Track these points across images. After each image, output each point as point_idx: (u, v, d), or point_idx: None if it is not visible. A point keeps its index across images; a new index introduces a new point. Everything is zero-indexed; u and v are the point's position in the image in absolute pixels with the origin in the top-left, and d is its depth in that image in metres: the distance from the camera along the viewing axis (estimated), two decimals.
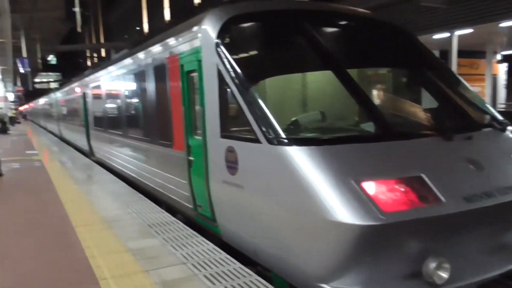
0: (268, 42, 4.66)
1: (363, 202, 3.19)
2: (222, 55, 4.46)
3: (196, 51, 5.12)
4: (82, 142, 15.50)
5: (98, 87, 11.71)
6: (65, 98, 19.39)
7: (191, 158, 5.59)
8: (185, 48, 5.48)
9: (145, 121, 7.75)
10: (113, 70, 9.83)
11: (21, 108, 71.80)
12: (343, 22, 5.19)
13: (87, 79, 13.48)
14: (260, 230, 4.17)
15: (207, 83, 4.85)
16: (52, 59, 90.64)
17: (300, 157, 3.52)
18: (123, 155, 9.51)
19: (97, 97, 12.13)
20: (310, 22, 4.66)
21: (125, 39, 39.25)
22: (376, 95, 4.89)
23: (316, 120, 4.52)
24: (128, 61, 8.54)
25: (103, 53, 51.34)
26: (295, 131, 4.14)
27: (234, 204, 4.58)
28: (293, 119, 4.47)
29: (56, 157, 13.62)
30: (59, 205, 6.99)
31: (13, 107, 46.79)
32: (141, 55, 7.56)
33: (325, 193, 3.27)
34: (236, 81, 4.23)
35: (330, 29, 5.03)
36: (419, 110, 4.93)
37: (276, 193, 3.78)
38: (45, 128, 32.68)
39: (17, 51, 17.84)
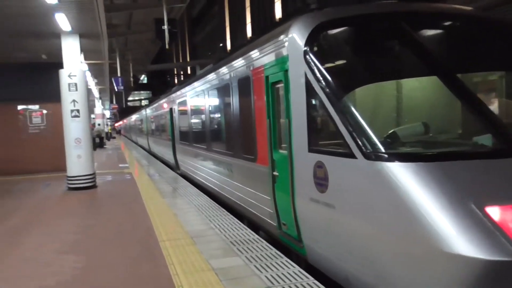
0: (361, 48, 4.25)
1: (489, 231, 2.63)
2: (311, 63, 4.14)
3: (282, 61, 4.88)
4: (168, 156, 16.13)
5: (183, 102, 12.07)
6: (154, 114, 20.50)
7: (275, 173, 5.32)
8: (270, 58, 5.27)
9: (228, 135, 7.69)
10: (197, 85, 10.02)
11: (116, 124, 78.25)
12: (447, 23, 4.61)
13: (173, 95, 14.03)
14: (353, 255, 3.73)
15: (294, 93, 4.56)
16: (143, 78, 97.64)
17: (405, 175, 3.04)
18: (206, 168, 9.58)
19: (182, 112, 12.51)
20: (409, 24, 4.17)
21: (209, 56, 40.92)
22: (492, 103, 4.21)
23: (418, 133, 3.98)
24: (212, 76, 8.61)
25: (189, 71, 54.05)
26: (396, 145, 3.65)
27: (323, 225, 4.18)
28: (391, 131, 3.98)
29: (145, 170, 14.27)
30: (146, 217, 7.12)
31: (109, 123, 51.06)
32: (224, 69, 7.54)
33: (439, 218, 2.75)
34: (327, 90, 3.88)
35: (432, 31, 4.48)
36: None
37: (375, 216, 3.33)
38: (136, 143, 34.99)
39: (112, 72, 19.28)
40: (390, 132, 3.99)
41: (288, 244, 5.30)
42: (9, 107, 14.30)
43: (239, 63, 6.62)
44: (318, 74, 4.03)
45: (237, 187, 7.22)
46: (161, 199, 8.74)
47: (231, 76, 7.03)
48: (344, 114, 3.67)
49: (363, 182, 3.45)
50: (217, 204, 7.89)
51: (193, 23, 67.01)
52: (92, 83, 20.96)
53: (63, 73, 10.28)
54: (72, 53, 10.42)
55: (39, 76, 13.89)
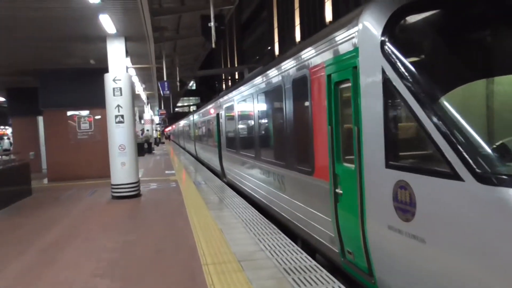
0: (459, 36, 3.31)
1: None
2: (392, 56, 3.27)
3: (349, 56, 4.02)
4: (214, 163, 15.59)
5: (230, 107, 11.44)
6: (200, 119, 20.14)
7: (338, 190, 4.44)
8: (333, 54, 4.42)
9: (279, 143, 6.89)
10: (245, 89, 9.33)
11: (166, 130, 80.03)
12: None
13: (220, 99, 13.46)
14: None
15: (366, 94, 3.69)
16: (192, 84, 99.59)
17: None
18: (254, 179, 8.83)
19: (229, 117, 11.88)
20: None
21: (257, 61, 40.56)
22: None
23: None
24: (261, 78, 7.87)
25: (237, 77, 54.08)
26: None
27: (406, 260, 3.27)
28: (499, 143, 3.01)
29: (191, 177, 13.80)
30: (189, 233, 6.47)
31: (158, 129, 52.02)
32: (276, 70, 6.76)
33: None
34: (417, 89, 2.99)
35: None
36: None
37: (494, 259, 2.39)
38: (184, 148, 35.10)
39: (161, 77, 19.15)
40: (497, 144, 3.01)
41: (354, 275, 4.40)
42: (59, 113, 14.38)
43: (293, 61, 5.82)
44: (402, 70, 3.14)
45: (289, 202, 6.39)
46: (206, 211, 8.09)
47: (284, 77, 6.23)
48: (442, 120, 2.76)
49: (473, 213, 2.52)
50: (266, 220, 7.11)
51: (241, 29, 67.27)
52: (140, 88, 20.99)
53: (108, 77, 9.97)
54: (117, 57, 10.10)
55: (88, 82, 13.84)
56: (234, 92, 10.57)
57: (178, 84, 21.15)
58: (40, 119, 16.67)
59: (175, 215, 7.94)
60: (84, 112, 14.64)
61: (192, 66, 31.46)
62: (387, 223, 3.41)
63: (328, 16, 34.04)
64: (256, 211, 7.81)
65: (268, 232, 6.27)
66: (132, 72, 15.47)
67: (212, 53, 75.43)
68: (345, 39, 4.12)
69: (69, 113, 14.56)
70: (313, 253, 5.93)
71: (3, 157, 11.16)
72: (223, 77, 69.18)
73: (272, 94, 7.13)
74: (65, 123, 14.50)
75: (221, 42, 74.52)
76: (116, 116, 9.92)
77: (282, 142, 6.50)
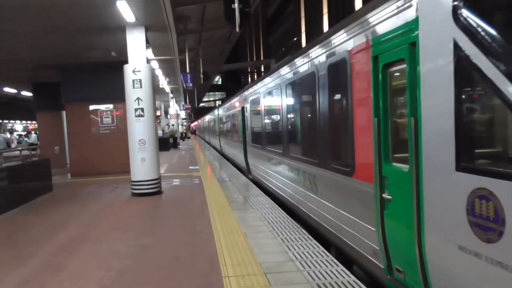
0: None
1: None
2: (471, 26, 2.49)
3: (405, 30, 3.26)
4: (239, 159, 14.98)
5: (256, 100, 10.75)
6: (225, 113, 19.54)
7: (386, 196, 3.69)
8: (382, 30, 3.66)
9: (311, 138, 6.15)
10: (272, 79, 8.61)
11: (192, 125, 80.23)
12: None
13: (245, 92, 12.78)
14: None
15: (429, 77, 2.93)
16: (218, 79, 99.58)
17: None
18: (281, 177, 8.13)
19: (255, 111, 11.20)
20: None
21: (283, 53, 39.73)
22: None
23: None
24: (290, 66, 7.13)
25: (263, 71, 53.43)
26: None
27: None
28: None
29: (215, 174, 13.23)
30: (211, 237, 5.85)
31: (184, 123, 51.94)
32: (307, 55, 6.00)
33: None
34: (510, 69, 2.22)
35: None
36: None
37: None
38: (209, 143, 34.72)
39: (184, 71, 18.64)
40: None
41: None
42: (81, 107, 14.07)
43: (329, 45, 5.06)
44: (486, 42, 2.37)
45: (321, 205, 5.67)
46: (229, 211, 7.46)
47: (318, 63, 5.48)
48: None
49: None
50: (294, 223, 6.41)
51: (267, 22, 66.38)
52: (164, 82, 20.58)
53: (127, 69, 9.45)
54: (137, 47, 9.56)
55: (110, 75, 13.41)
56: (260, 84, 9.86)
57: (201, 76, 20.56)
58: (65, 113, 16.48)
59: (197, 215, 7.34)
60: (106, 106, 14.28)
61: (217, 60, 30.93)
62: (458, 242, 2.66)
63: (358, 3, 32.83)
64: (284, 213, 7.12)
65: (297, 238, 5.58)
66: (155, 65, 15.02)
67: (238, 48, 74.99)
68: (398, 9, 3.35)
69: (91, 107, 14.23)
70: (350, 264, 5.20)
71: (23, 152, 10.86)
72: (249, 72, 68.63)
73: (303, 83, 6.39)
74: (87, 117, 14.18)
75: (247, 36, 73.90)
76: (136, 110, 9.41)
77: (315, 138, 5.75)
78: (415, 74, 3.12)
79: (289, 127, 7.40)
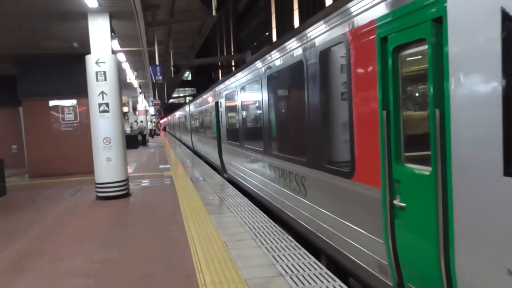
0: None
1: None
2: None
3: (427, 3, 2.66)
4: (213, 157, 14.27)
5: (232, 94, 10.06)
6: (197, 109, 18.68)
7: (398, 202, 3.12)
8: (394, 5, 3.06)
9: (299, 135, 5.54)
10: (251, 71, 7.94)
11: (161, 121, 78.41)
12: None
13: (220, 86, 12.03)
14: None
15: (463, 58, 2.36)
16: (188, 75, 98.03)
17: None
18: (262, 177, 7.50)
19: (231, 105, 10.51)
20: None
21: (255, 49, 39.07)
22: None
23: None
24: (272, 56, 6.49)
25: (233, 69, 52.62)
26: None
27: None
28: None
29: (188, 172, 12.46)
30: (186, 249, 5.16)
31: (153, 120, 50.47)
32: (294, 42, 5.36)
33: None
34: None
35: None
36: None
37: None
38: (180, 140, 33.69)
39: (153, 63, 17.69)
40: None
41: None
42: (40, 103, 12.95)
43: (321, 27, 4.44)
44: None
45: (310, 209, 5.08)
46: (205, 215, 6.78)
47: (307, 50, 4.85)
48: None
49: None
50: (279, 228, 5.81)
51: (238, 18, 65.53)
52: (132, 76, 19.52)
53: (90, 60, 8.56)
54: (100, 36, 8.68)
55: (72, 68, 12.38)
56: (238, 75, 9.16)
57: (172, 69, 19.61)
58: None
59: (169, 221, 6.62)
60: (69, 102, 13.21)
61: (188, 55, 29.94)
62: (506, 265, 2.10)
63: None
64: (266, 217, 6.50)
65: (284, 247, 4.97)
66: (122, 57, 14.05)
67: (208, 43, 73.70)
68: None
69: (52, 102, 13.12)
70: (344, 275, 4.64)
71: None
72: (220, 67, 67.75)
73: (288, 74, 5.76)
74: (46, 113, 13.08)
75: (217, 31, 72.76)
76: (100, 105, 8.54)
77: (303, 135, 5.14)
78: (440, 57, 2.55)
79: (271, 123, 6.76)
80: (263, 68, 6.96)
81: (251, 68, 7.92)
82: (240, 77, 8.88)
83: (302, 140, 5.20)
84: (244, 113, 8.94)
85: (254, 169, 8.12)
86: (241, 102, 9.06)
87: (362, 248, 3.77)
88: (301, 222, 5.51)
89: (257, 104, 7.75)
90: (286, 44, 5.71)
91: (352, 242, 3.97)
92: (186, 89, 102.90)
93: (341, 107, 4.07)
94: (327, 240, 4.66)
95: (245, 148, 8.76)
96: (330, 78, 4.39)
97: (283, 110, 6.55)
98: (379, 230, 3.33)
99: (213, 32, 67.25)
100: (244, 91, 8.75)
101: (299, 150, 5.41)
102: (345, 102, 3.88)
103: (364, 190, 3.58)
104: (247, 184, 8.96)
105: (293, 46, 5.35)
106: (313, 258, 4.58)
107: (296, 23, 38.94)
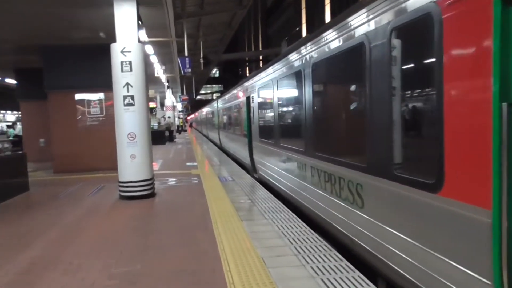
0: None
1: None
2: None
3: None
4: (242, 155, 13.54)
5: (266, 87, 9.27)
6: (227, 105, 17.98)
7: None
8: None
9: (356, 134, 4.70)
10: (293, 60, 7.12)
11: (188, 118, 78.57)
12: None
13: (252, 80, 11.25)
14: None
15: None
16: (215, 72, 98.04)
17: None
18: (302, 181, 6.70)
19: (265, 100, 9.73)
20: None
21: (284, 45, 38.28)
22: None
23: None
24: (318, 42, 5.66)
25: (261, 64, 51.89)
26: None
27: None
28: None
29: (216, 171, 11.78)
30: (218, 265, 4.42)
31: (181, 116, 50.29)
32: (351, 23, 4.49)
33: None
34: None
35: None
36: None
37: None
38: (207, 137, 33.19)
39: (182, 55, 17.11)
40: None
41: None
42: (66, 96, 12.53)
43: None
44: None
45: (370, 225, 4.23)
46: (237, 222, 6.04)
47: (370, 29, 3.99)
48: None
49: None
50: (325, 243, 4.99)
51: (267, 13, 64.59)
52: (160, 70, 19.02)
53: (115, 49, 7.95)
54: (126, 23, 8.05)
55: (99, 59, 11.88)
56: (276, 66, 8.34)
57: (201, 61, 18.99)
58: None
59: (197, 228, 5.91)
60: (97, 95, 12.75)
61: (217, 49, 29.36)
62: None
63: None
64: (308, 228, 5.69)
65: (333, 267, 4.17)
66: (150, 50, 13.50)
67: (236, 39, 73.13)
68: None
69: (78, 96, 12.69)
70: None
71: None
72: (247, 65, 67.18)
73: (344, 59, 4.89)
74: (73, 107, 12.66)
75: (246, 27, 72.09)
76: (125, 97, 7.92)
77: (362, 133, 4.28)
78: None
79: (317, 119, 5.92)
80: (307, 56, 6.13)
81: (291, 57, 7.11)
82: (279, 68, 8.05)
83: (360, 140, 4.35)
84: (282, 108, 8.12)
85: (292, 172, 7.32)
86: (279, 95, 8.24)
87: (449, 284, 2.90)
88: (353, 238, 4.67)
89: (298, 98, 6.93)
90: (337, 27, 4.86)
91: (436, 276, 3.10)
92: (213, 85, 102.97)
93: (422, 96, 3.22)
94: (390, 263, 3.82)
95: (282, 147, 7.96)
96: (407, 60, 3.53)
97: (333, 104, 5.71)
98: (485, 266, 2.48)
99: (241, 29, 66.63)
100: (283, 83, 7.92)
101: (356, 153, 4.56)
102: (429, 91, 3.02)
103: (461, 209, 2.71)
104: (282, 188, 8.18)
105: (350, 29, 4.50)
106: (367, 281, 3.76)
107: (328, 19, 37.76)
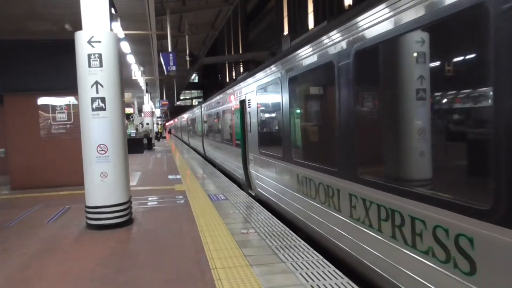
0: None
1: None
2: None
3: None
4: (232, 166, 11.94)
5: (269, 88, 7.70)
6: (214, 110, 16.23)
7: None
8: None
9: (391, 149, 3.30)
10: (307, 53, 5.59)
11: (167, 124, 76.27)
12: None
13: (249, 79, 9.59)
14: None
15: None
16: (194, 77, 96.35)
17: None
18: (315, 202, 5.17)
19: (267, 104, 8.17)
20: None
21: (266, 48, 36.87)
22: None
23: None
24: (343, 32, 4.17)
25: (241, 69, 50.46)
26: None
27: None
28: None
29: (204, 187, 10.12)
30: None
31: (160, 122, 48.19)
32: (387, 9, 3.04)
33: None
34: None
35: None
36: None
37: None
38: (188, 145, 31.35)
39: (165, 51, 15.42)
40: None
41: None
42: (26, 99, 10.67)
43: None
44: None
45: (413, 264, 2.72)
46: (245, 268, 4.43)
47: (427, 13, 2.55)
48: None
49: None
50: (347, 279, 3.45)
51: (247, 19, 63.29)
52: (138, 73, 17.23)
53: (80, 38, 6.26)
54: (95, 5, 6.37)
55: (66, 58, 10.09)
56: (277, 65, 6.76)
57: (188, 59, 17.27)
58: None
59: (191, 277, 4.28)
60: (61, 100, 10.93)
61: (198, 52, 27.72)
62: None
63: (348, 1, 30.44)
64: (325, 260, 4.14)
65: None
66: (127, 48, 11.79)
67: (216, 45, 71.46)
68: None
69: (40, 100, 10.84)
70: None
71: None
72: (227, 71, 65.81)
73: (372, 56, 3.48)
74: (34, 112, 10.80)
75: (225, 32, 70.59)
76: (94, 100, 6.24)
77: (405, 148, 2.86)
78: None
79: (345, 128, 4.38)
80: (326, 50, 4.63)
81: (304, 51, 5.57)
82: (291, 61, 6.40)
83: (397, 158, 2.88)
84: (294, 114, 6.51)
85: (301, 191, 5.77)
86: (287, 97, 6.62)
87: None
88: (390, 278, 3.16)
89: (315, 100, 5.40)
90: (372, 11, 3.40)
91: None
92: (193, 91, 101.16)
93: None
94: None
95: (290, 161, 6.38)
96: (459, 51, 2.16)
97: (363, 109, 4.24)
98: None
99: (221, 34, 65.07)
100: (293, 83, 6.33)
101: (394, 175, 3.15)
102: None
103: None
104: (288, 209, 6.62)
105: (391, 13, 3.00)
106: None
107: (311, 26, 36.61)
